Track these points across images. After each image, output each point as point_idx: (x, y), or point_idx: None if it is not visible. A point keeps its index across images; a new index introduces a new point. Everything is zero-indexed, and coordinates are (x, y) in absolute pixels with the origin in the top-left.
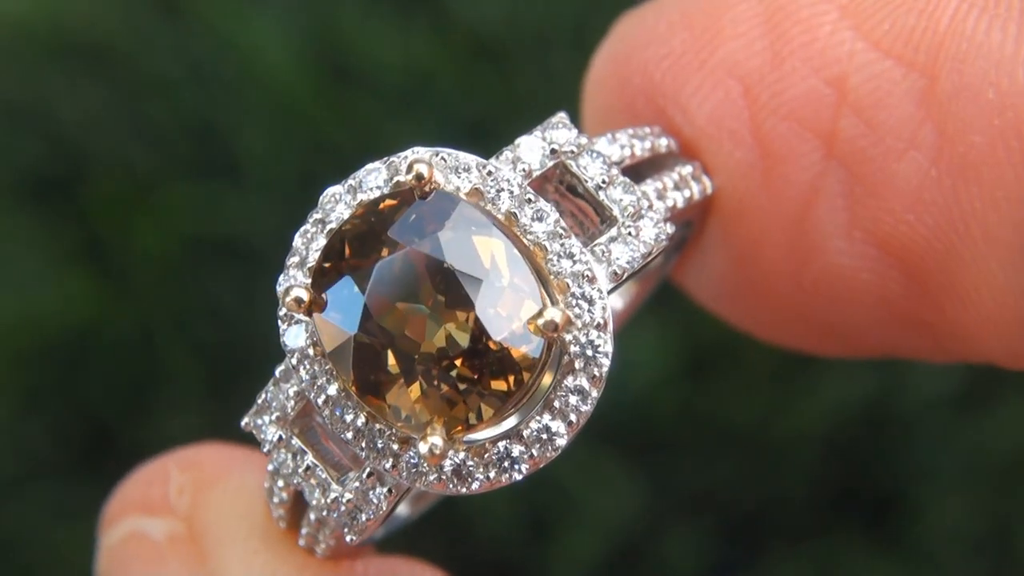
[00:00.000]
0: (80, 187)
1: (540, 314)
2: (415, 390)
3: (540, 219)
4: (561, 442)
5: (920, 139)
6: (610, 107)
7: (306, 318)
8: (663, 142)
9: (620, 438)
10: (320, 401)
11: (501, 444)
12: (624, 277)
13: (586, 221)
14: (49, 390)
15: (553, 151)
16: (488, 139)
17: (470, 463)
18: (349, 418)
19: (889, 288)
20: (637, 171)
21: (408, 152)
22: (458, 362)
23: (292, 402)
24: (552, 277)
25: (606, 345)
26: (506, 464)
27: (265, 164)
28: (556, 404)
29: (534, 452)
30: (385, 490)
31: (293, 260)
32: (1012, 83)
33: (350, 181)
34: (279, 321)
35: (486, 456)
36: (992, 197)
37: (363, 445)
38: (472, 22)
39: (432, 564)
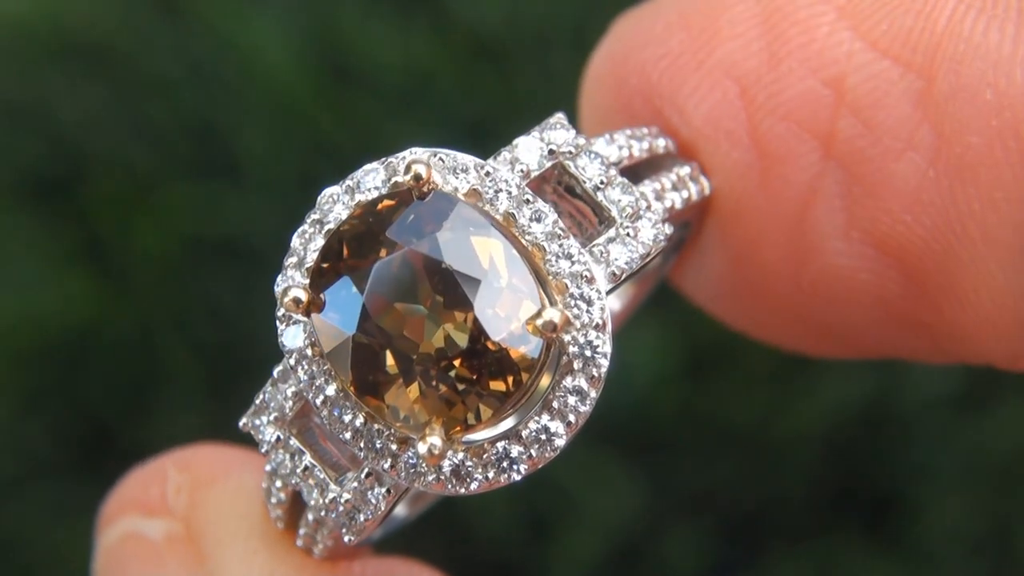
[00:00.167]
0: (80, 187)
1: (539, 314)
2: (414, 390)
3: (538, 220)
4: (560, 442)
5: (918, 140)
6: (608, 107)
7: (304, 318)
8: (661, 143)
9: (620, 438)
10: (318, 401)
11: (500, 444)
12: (623, 278)
13: (584, 222)
14: (49, 390)
15: (551, 152)
16: (488, 139)
17: (469, 463)
18: (347, 418)
19: (887, 289)
20: (635, 172)
21: (406, 153)
22: (457, 362)
23: (290, 402)
24: (551, 278)
25: (605, 345)
26: (505, 464)
27: (265, 164)
28: (555, 404)
29: (533, 452)
30: (383, 490)
31: (291, 260)
32: (1010, 84)
33: (348, 182)
34: (277, 321)
35: (485, 456)
36: (990, 198)
37: (361, 445)
38: (472, 22)
39: (430, 565)
